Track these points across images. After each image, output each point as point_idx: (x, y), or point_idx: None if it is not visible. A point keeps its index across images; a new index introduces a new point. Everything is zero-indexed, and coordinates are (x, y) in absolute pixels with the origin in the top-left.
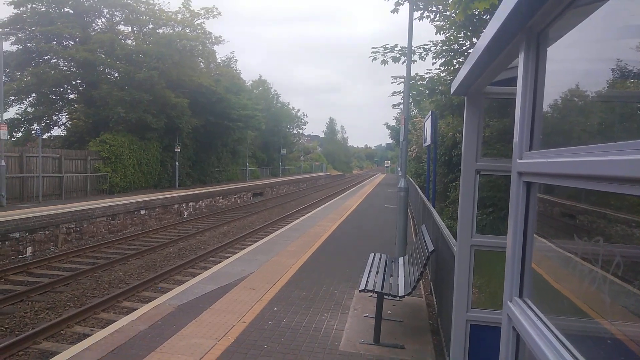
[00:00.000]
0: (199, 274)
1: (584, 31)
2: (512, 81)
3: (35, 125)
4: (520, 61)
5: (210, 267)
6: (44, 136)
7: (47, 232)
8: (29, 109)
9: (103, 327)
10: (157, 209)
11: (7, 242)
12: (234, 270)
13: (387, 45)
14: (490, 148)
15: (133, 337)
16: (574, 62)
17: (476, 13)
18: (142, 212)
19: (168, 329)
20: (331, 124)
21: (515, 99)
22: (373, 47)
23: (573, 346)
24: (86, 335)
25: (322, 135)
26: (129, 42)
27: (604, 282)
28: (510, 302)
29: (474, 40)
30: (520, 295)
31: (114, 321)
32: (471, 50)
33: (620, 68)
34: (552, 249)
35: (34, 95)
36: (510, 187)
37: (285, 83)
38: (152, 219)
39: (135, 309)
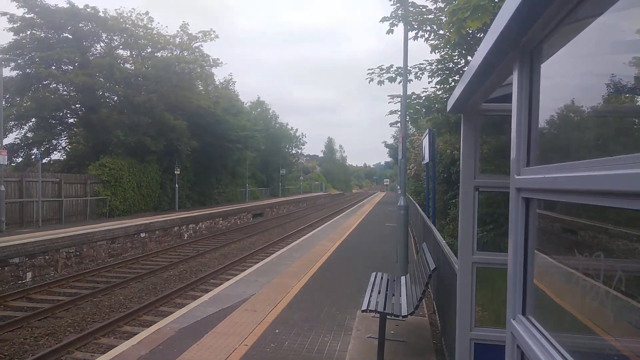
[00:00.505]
0: (199, 296)
1: (577, 47)
2: (508, 98)
3: (34, 150)
4: (515, 78)
5: (211, 290)
6: (44, 160)
7: (46, 257)
8: (29, 134)
9: (103, 353)
10: (157, 232)
11: (6, 268)
12: (235, 292)
13: (382, 66)
14: (489, 164)
15: None
16: (568, 78)
17: (470, 32)
18: (142, 235)
19: (169, 353)
20: (330, 143)
21: (511, 115)
22: (369, 69)
23: None
24: None
25: (320, 154)
26: (128, 66)
27: (606, 298)
28: (514, 319)
29: (469, 58)
30: (524, 313)
31: (114, 346)
32: (466, 68)
33: (614, 83)
34: (554, 265)
35: (33, 120)
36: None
37: (284, 103)
38: (152, 241)
39: (136, 334)
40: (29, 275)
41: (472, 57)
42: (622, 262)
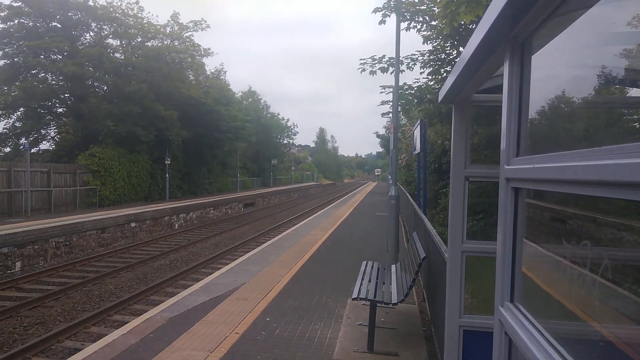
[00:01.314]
0: (190, 285)
1: (567, 39)
2: (499, 89)
3: (23, 140)
4: (505, 69)
5: (202, 279)
6: (33, 150)
7: (36, 247)
8: (17, 124)
9: (94, 342)
10: (147, 221)
11: None
12: (226, 281)
13: (375, 57)
14: (479, 154)
15: (124, 350)
16: (559, 69)
17: (462, 23)
18: (133, 224)
19: (159, 341)
20: (321, 133)
21: (502, 106)
22: (361, 59)
23: (564, 349)
24: (77, 350)
25: (312, 145)
26: (118, 55)
27: (593, 285)
28: (502, 307)
29: (461, 49)
30: (512, 300)
31: (104, 335)
32: (458, 59)
33: (604, 74)
34: (543, 254)
35: (22, 109)
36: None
37: (276, 93)
38: (142, 231)
39: (126, 323)
40: (18, 264)
41: (464, 48)
42: (609, 250)
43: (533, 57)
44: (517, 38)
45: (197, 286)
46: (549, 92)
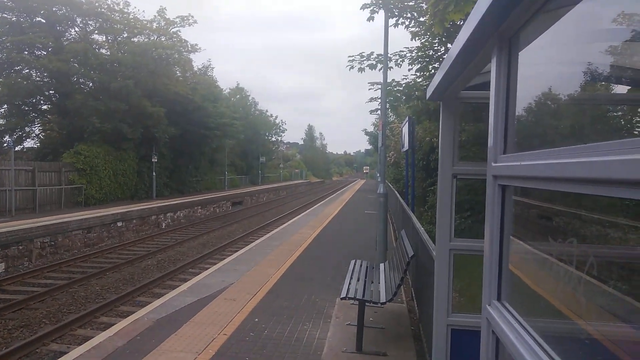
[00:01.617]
0: (178, 286)
1: (555, 35)
2: (487, 86)
3: (7, 137)
4: (493, 66)
5: (189, 279)
6: (17, 148)
7: (20, 247)
8: (1, 121)
9: (80, 344)
10: (134, 221)
11: None
12: (214, 282)
13: (363, 53)
14: (467, 152)
15: (111, 353)
16: (546, 66)
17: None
18: (119, 224)
19: (147, 344)
20: (310, 131)
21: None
22: (349, 56)
23: (551, 348)
24: (62, 353)
25: (301, 142)
26: (103, 51)
27: (579, 283)
28: (489, 305)
29: (449, 45)
30: (499, 299)
31: (91, 337)
32: (446, 56)
33: (590, 71)
34: (530, 252)
35: (5, 106)
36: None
37: (263, 90)
38: (129, 231)
39: (113, 324)
40: (2, 266)
41: (452, 45)
42: (595, 247)
43: (520, 53)
44: (505, 34)
45: (184, 287)
46: (536, 89)
